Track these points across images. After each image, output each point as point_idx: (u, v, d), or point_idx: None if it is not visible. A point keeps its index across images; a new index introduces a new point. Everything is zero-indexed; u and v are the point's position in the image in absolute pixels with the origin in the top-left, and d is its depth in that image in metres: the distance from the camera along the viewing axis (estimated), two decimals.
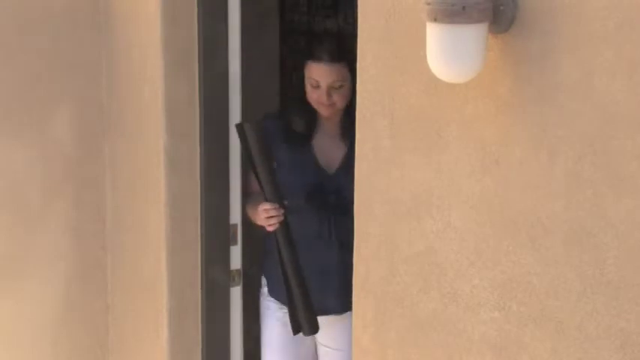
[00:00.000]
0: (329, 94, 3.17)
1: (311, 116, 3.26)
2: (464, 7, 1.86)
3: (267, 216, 3.19)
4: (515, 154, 1.97)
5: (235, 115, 3.48)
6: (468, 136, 2.07)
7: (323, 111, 3.23)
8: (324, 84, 3.16)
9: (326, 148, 3.29)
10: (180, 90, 3.42)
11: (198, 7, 3.37)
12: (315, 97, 3.20)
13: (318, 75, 3.17)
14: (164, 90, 3.41)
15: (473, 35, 1.89)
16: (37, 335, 3.87)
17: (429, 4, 1.89)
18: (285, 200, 3.22)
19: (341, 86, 3.17)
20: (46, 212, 3.80)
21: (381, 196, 2.32)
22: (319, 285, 3.27)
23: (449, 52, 1.90)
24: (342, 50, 3.18)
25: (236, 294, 3.53)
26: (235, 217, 3.47)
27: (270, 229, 3.21)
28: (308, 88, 3.21)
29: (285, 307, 3.32)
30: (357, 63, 2.34)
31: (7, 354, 3.84)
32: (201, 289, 3.53)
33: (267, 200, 3.21)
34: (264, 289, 3.47)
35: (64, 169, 3.79)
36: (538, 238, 1.94)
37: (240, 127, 3.23)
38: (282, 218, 3.19)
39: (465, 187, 2.09)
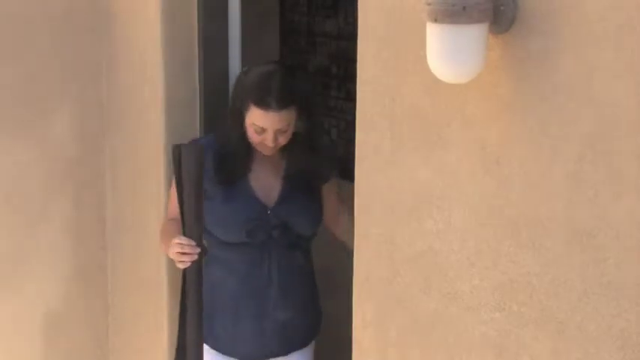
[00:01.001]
0: (275, 138, 2.96)
1: (249, 153, 3.02)
2: (464, 8, 1.86)
3: (180, 251, 2.85)
4: (516, 154, 1.97)
5: None
6: (468, 136, 2.07)
7: (265, 151, 3.01)
8: (271, 130, 2.94)
9: (262, 181, 3.07)
10: (180, 90, 3.42)
11: (198, 7, 3.37)
12: (258, 140, 2.97)
13: (265, 123, 2.93)
14: (164, 90, 3.41)
15: (473, 35, 1.89)
16: (37, 335, 3.87)
17: (429, 4, 1.89)
18: (205, 240, 2.94)
19: (287, 130, 2.97)
20: (46, 212, 3.80)
21: (381, 196, 2.32)
22: (256, 328, 3.07)
23: (449, 53, 1.90)
24: (292, 94, 2.95)
25: None
26: None
27: (180, 266, 2.91)
28: (250, 131, 2.97)
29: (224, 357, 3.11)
30: (357, 63, 2.34)
31: (7, 354, 3.84)
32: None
33: (185, 234, 2.89)
34: None
35: (64, 169, 3.79)
36: (538, 238, 1.94)
37: (176, 149, 2.92)
38: (195, 257, 2.85)
39: (465, 187, 2.09)
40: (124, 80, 3.68)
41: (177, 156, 2.89)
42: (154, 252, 3.56)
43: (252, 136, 2.98)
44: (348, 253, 3.06)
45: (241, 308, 3.07)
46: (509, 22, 1.93)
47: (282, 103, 2.93)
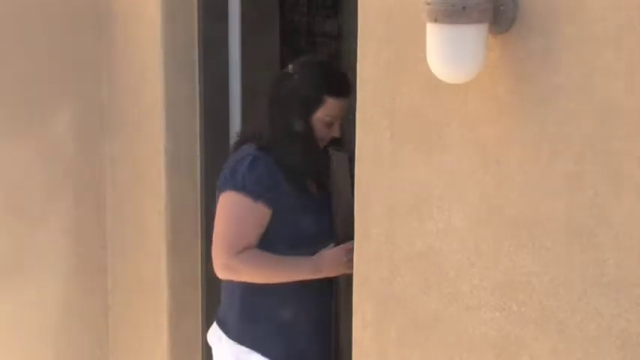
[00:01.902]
0: (341, 127, 2.89)
1: (318, 153, 2.89)
2: (464, 8, 1.86)
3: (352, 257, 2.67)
4: (515, 154, 1.97)
5: (235, 115, 3.49)
6: (468, 136, 2.07)
7: (322, 144, 2.90)
8: (339, 119, 2.88)
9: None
10: (180, 90, 3.42)
11: (198, 7, 3.37)
12: (326, 132, 2.87)
13: (340, 111, 2.86)
14: (164, 90, 3.41)
15: (473, 35, 1.89)
16: (37, 335, 3.88)
17: (429, 4, 1.89)
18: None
19: None
20: (46, 212, 3.80)
21: (381, 196, 2.32)
22: (319, 343, 2.93)
23: (449, 53, 1.90)
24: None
25: None
26: None
27: (351, 270, 2.66)
28: (319, 127, 2.85)
29: None
30: (357, 63, 2.34)
31: (7, 354, 3.84)
32: (201, 289, 3.53)
33: (348, 239, 2.71)
34: None
35: (64, 169, 3.80)
36: (538, 238, 1.94)
37: (336, 156, 2.81)
38: None
39: (465, 187, 2.09)
40: (124, 80, 3.68)
41: (338, 163, 2.80)
42: (154, 252, 3.56)
43: (321, 131, 2.86)
44: None
45: (315, 320, 2.93)
46: (509, 22, 1.93)
47: (351, 86, 2.80)
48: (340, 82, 2.87)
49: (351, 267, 2.67)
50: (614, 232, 1.80)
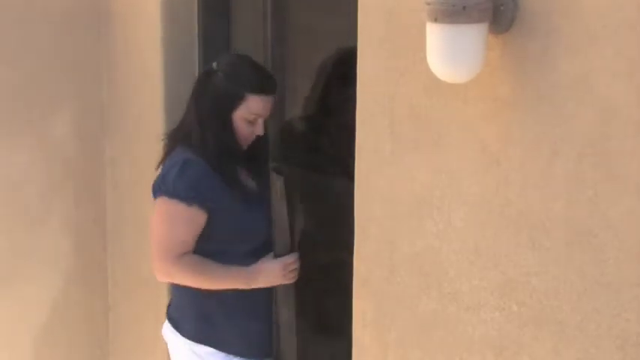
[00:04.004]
0: (264, 126, 2.93)
1: (241, 152, 2.95)
2: (464, 7, 1.86)
3: (293, 268, 2.90)
4: (516, 154, 1.97)
5: None
6: (468, 136, 2.07)
7: (245, 144, 2.94)
8: (263, 117, 2.91)
9: (244, 178, 2.98)
10: (180, 90, 3.42)
11: (198, 6, 3.38)
12: (250, 132, 2.90)
13: (263, 109, 2.89)
14: (164, 90, 3.41)
15: (473, 35, 1.89)
16: (37, 335, 3.88)
17: (429, 4, 1.89)
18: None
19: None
20: (46, 212, 3.80)
21: (381, 196, 2.32)
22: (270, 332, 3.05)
23: (449, 52, 1.89)
24: None
25: None
26: None
27: (292, 281, 2.91)
28: (240, 126, 2.88)
29: None
30: (357, 63, 2.34)
31: (7, 354, 3.84)
32: None
33: (291, 251, 2.91)
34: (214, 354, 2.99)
35: (64, 169, 3.80)
36: (538, 238, 1.94)
37: (273, 176, 2.88)
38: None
39: (465, 187, 2.09)
40: (124, 80, 3.68)
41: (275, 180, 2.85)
42: None
43: (242, 130, 2.89)
44: None
45: (269, 311, 3.03)
46: (509, 22, 1.93)
47: (276, 85, 2.94)
48: (263, 79, 2.90)
49: (291, 278, 2.89)
50: (614, 232, 1.80)
